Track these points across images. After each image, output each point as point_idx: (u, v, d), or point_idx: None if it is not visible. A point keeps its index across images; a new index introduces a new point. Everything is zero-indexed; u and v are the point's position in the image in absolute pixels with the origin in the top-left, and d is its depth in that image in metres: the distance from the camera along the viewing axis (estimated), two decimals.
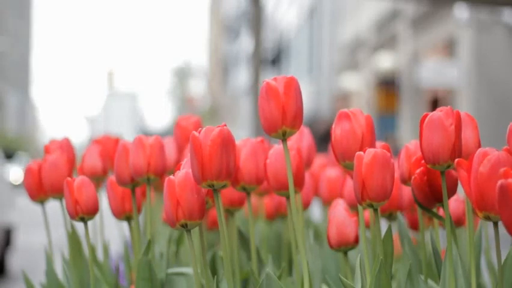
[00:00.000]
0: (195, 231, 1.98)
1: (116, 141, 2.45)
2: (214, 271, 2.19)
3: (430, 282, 1.76)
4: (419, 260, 1.88)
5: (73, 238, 2.16)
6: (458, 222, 2.07)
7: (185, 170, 1.61)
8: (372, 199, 1.54)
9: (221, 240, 1.63)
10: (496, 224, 1.42)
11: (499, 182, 1.22)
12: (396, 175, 1.86)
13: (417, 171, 1.71)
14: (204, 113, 51.85)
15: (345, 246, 1.84)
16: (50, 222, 2.29)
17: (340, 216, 1.83)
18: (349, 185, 2.16)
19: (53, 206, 2.73)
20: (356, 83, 23.46)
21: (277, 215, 2.63)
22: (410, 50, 18.23)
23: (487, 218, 1.39)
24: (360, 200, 1.55)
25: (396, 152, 1.61)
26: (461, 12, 14.94)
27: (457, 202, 2.06)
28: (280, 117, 1.61)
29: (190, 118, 2.41)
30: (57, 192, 2.12)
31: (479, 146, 1.69)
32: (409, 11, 18.13)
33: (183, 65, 71.74)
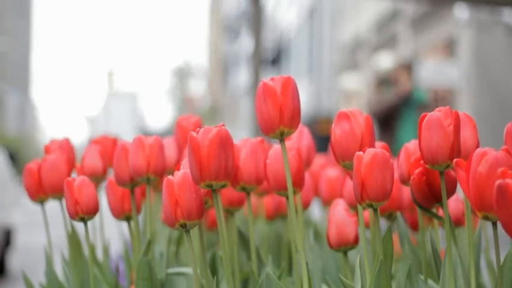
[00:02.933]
0: (195, 231, 1.98)
1: (115, 141, 2.45)
2: (214, 271, 2.19)
3: (430, 282, 1.76)
4: (419, 260, 1.88)
5: (73, 238, 2.17)
6: (457, 222, 2.07)
7: (184, 170, 1.61)
8: (371, 199, 1.54)
9: (220, 240, 1.63)
10: (495, 224, 1.42)
11: (497, 182, 1.22)
12: (396, 175, 1.86)
13: (416, 171, 1.72)
14: (204, 113, 51.82)
15: (345, 246, 1.84)
16: (50, 222, 2.29)
17: (340, 216, 1.83)
18: (349, 185, 2.16)
19: (53, 206, 2.73)
20: (356, 83, 23.45)
21: (277, 215, 2.63)
22: (410, 50, 18.22)
23: (486, 218, 1.39)
24: (360, 200, 1.55)
25: None
26: (461, 12, 14.93)
27: (456, 202, 2.06)
28: (277, 118, 1.61)
29: (191, 118, 2.41)
30: (57, 192, 2.12)
31: (478, 146, 1.69)
32: (409, 11, 18.12)
33: (183, 65, 71.74)
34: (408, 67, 8.06)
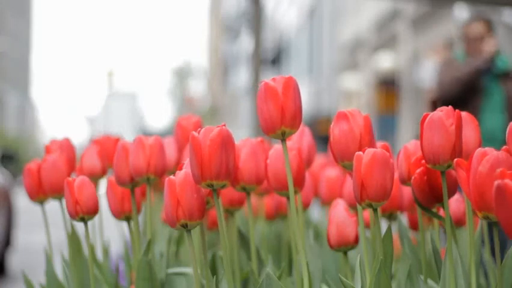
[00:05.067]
0: (195, 231, 1.98)
1: (115, 141, 2.45)
2: (214, 271, 2.19)
3: (430, 282, 1.76)
4: (419, 260, 1.88)
5: (73, 238, 2.16)
6: (458, 222, 2.07)
7: (186, 170, 1.61)
8: (371, 199, 1.54)
9: (221, 240, 1.63)
10: (495, 224, 1.42)
11: (496, 183, 1.22)
12: (396, 175, 1.86)
13: (418, 171, 1.71)
14: (204, 113, 51.81)
15: (345, 246, 1.84)
16: (50, 222, 2.29)
17: (340, 216, 1.83)
18: (349, 185, 2.16)
19: (53, 206, 2.73)
20: (356, 83, 23.45)
21: (277, 215, 2.63)
22: (410, 50, 18.23)
23: (486, 218, 1.39)
24: (360, 200, 1.55)
25: None
26: (461, 12, 14.93)
27: (457, 202, 2.06)
28: (279, 118, 1.61)
29: (191, 118, 2.42)
30: (57, 192, 2.12)
31: (480, 146, 1.69)
32: (409, 11, 18.12)
33: (183, 65, 71.75)
34: (488, 23, 5.34)
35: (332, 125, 1.71)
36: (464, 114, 1.70)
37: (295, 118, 1.63)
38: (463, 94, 5.14)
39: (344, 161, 1.68)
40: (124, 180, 1.95)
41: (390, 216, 2.09)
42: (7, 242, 7.98)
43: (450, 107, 1.59)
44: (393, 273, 2.07)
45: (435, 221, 1.89)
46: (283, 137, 1.64)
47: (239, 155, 1.88)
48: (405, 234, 1.95)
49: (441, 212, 1.95)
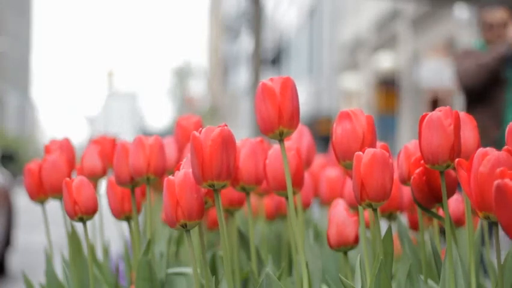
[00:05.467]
0: (195, 231, 1.98)
1: (112, 141, 2.45)
2: (214, 271, 2.19)
3: (430, 282, 1.76)
4: (419, 260, 1.88)
5: (73, 238, 2.17)
6: (458, 222, 2.07)
7: (185, 170, 1.61)
8: (371, 199, 1.54)
9: (221, 240, 1.63)
10: (495, 224, 1.42)
11: (496, 182, 1.22)
12: (396, 175, 1.86)
13: (417, 171, 1.71)
14: (204, 113, 51.85)
15: (345, 246, 1.84)
16: (50, 222, 2.29)
17: (340, 216, 1.83)
18: (349, 185, 2.16)
19: (53, 206, 2.73)
20: (356, 83, 23.46)
21: (277, 215, 2.63)
22: (410, 50, 18.22)
23: (487, 218, 1.39)
24: (360, 200, 1.55)
25: None
26: (461, 12, 14.93)
27: (456, 202, 2.06)
28: (276, 118, 1.62)
29: (191, 118, 2.42)
30: (57, 192, 2.12)
31: (479, 146, 1.69)
32: (409, 11, 18.12)
33: (183, 65, 71.81)
34: (510, 10, 5.15)
35: (334, 125, 1.71)
36: (462, 114, 1.70)
37: (293, 118, 1.63)
38: (488, 83, 4.94)
39: (346, 160, 1.69)
40: (124, 180, 1.95)
41: (390, 216, 2.09)
42: (7, 242, 7.97)
43: (448, 107, 1.59)
44: (393, 273, 2.07)
45: (435, 221, 1.89)
46: (281, 137, 1.64)
47: (238, 155, 1.88)
48: (405, 234, 1.95)
49: (441, 212, 1.95)
